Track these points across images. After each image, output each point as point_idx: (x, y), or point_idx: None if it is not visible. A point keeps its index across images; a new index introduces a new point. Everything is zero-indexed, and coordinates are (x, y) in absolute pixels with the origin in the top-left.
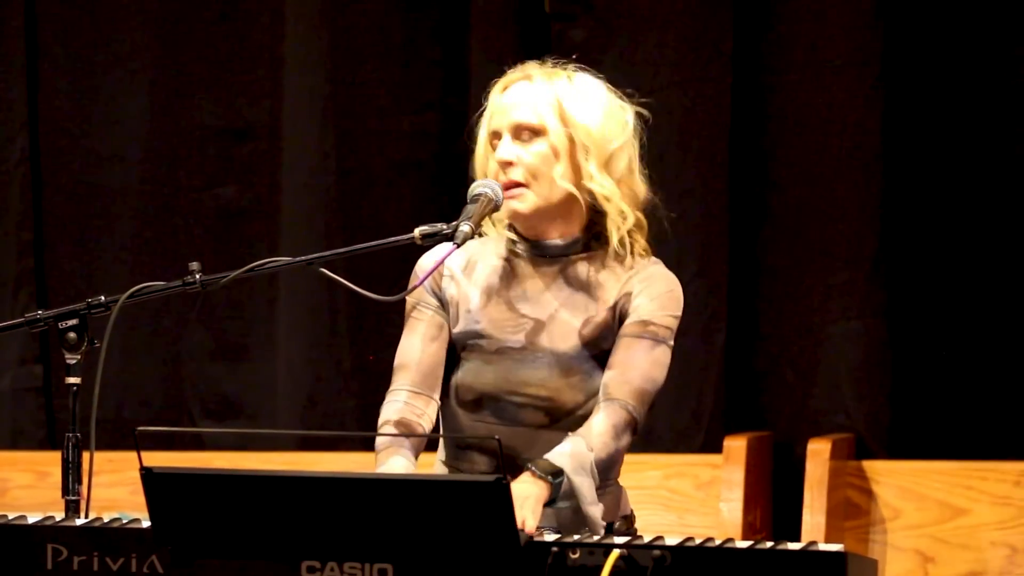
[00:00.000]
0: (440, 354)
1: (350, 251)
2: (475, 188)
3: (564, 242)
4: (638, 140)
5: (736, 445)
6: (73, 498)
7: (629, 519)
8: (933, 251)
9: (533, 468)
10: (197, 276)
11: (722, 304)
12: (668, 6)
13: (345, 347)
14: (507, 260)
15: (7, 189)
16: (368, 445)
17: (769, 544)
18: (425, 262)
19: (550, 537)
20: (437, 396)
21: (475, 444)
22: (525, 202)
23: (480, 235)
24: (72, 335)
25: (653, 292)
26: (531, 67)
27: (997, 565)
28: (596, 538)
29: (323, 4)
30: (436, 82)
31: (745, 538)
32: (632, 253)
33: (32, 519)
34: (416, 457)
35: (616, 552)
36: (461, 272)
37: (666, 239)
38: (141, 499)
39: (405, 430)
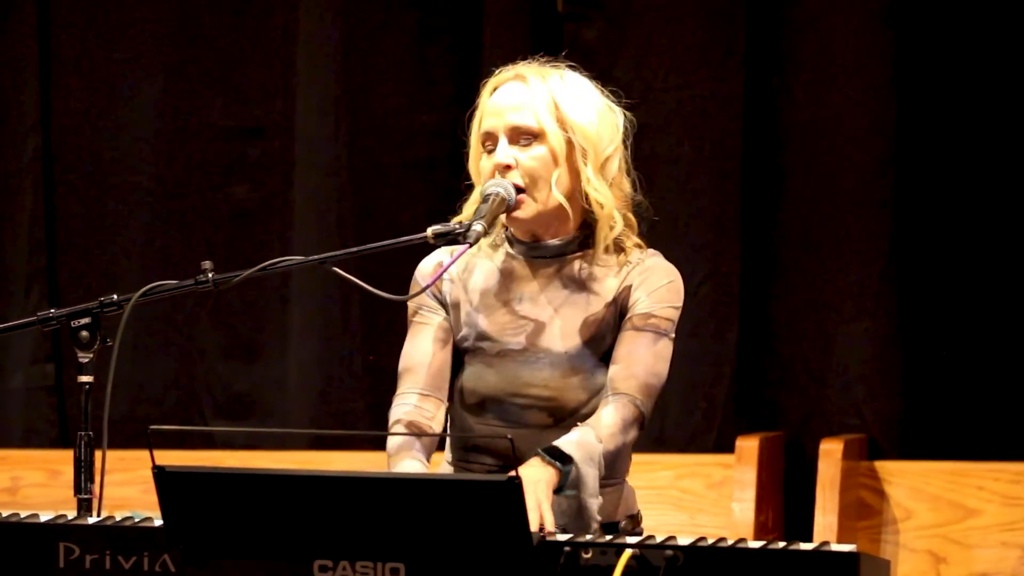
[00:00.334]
0: (446, 356)
1: (362, 250)
2: (487, 187)
3: (560, 242)
4: (625, 139)
5: (748, 445)
6: (85, 497)
7: (635, 518)
8: (945, 251)
9: (543, 454)
10: (210, 275)
11: (734, 304)
12: (681, 7)
13: (357, 346)
14: (504, 262)
15: (20, 188)
16: (380, 444)
17: (782, 544)
18: (425, 266)
19: (562, 537)
20: (444, 397)
21: (482, 445)
22: (525, 210)
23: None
24: (84, 334)
25: (652, 284)
26: (522, 67)
27: (1009, 566)
28: (608, 538)
29: (336, 4)
30: (448, 82)
31: (757, 538)
32: (624, 250)
33: (44, 517)
34: (428, 460)
35: (628, 552)
36: (460, 276)
37: (678, 238)
38: (153, 498)
39: (417, 432)
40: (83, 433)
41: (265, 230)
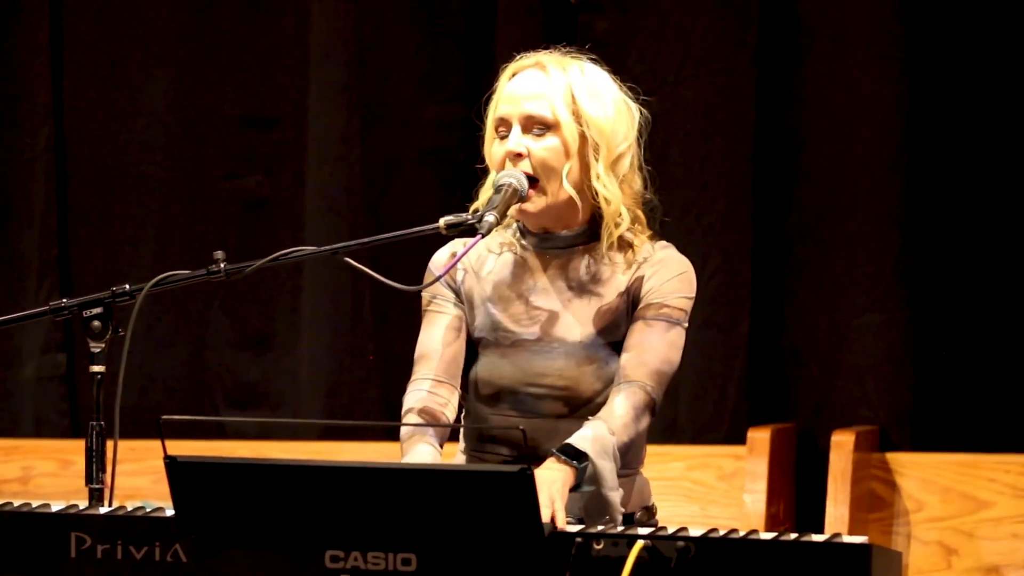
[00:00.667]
0: (460, 345)
1: (375, 240)
2: (500, 178)
3: (569, 233)
4: (639, 136)
5: (760, 437)
6: (97, 486)
7: (651, 510)
8: (958, 244)
9: (558, 453)
10: (222, 265)
11: (746, 296)
12: None
13: (369, 337)
14: (515, 254)
15: (32, 177)
16: (391, 434)
17: (793, 536)
18: (439, 257)
19: (574, 528)
20: (459, 385)
21: (497, 435)
22: (535, 204)
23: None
24: (96, 323)
25: (665, 275)
26: (543, 55)
27: (1020, 557)
28: (620, 529)
29: None
30: (461, 71)
31: (768, 530)
32: (632, 246)
33: (56, 507)
34: (441, 446)
35: (640, 543)
36: (473, 268)
37: (690, 229)
38: (164, 488)
39: (429, 419)
40: (95, 423)
41: (277, 220)
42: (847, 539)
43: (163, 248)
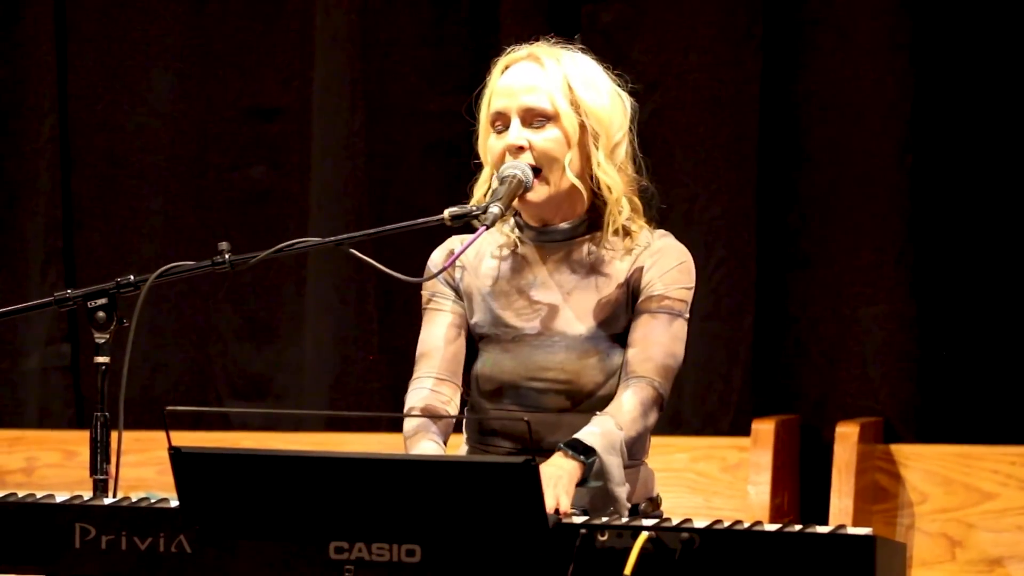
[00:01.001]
0: (461, 342)
1: (379, 232)
2: (505, 169)
3: (569, 225)
4: (631, 123)
5: (764, 428)
6: (101, 477)
7: (655, 501)
8: (962, 236)
9: (565, 448)
10: (226, 256)
11: (750, 287)
12: None
13: (373, 328)
14: (514, 248)
15: (36, 168)
16: (395, 425)
17: (798, 527)
18: (437, 256)
19: (578, 519)
20: (460, 383)
21: (500, 428)
22: (538, 193)
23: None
24: (101, 314)
25: (664, 266)
26: (535, 47)
27: None
28: (624, 521)
29: None
30: (465, 63)
31: (772, 521)
32: (631, 233)
33: (60, 498)
34: (445, 443)
35: (644, 535)
36: (472, 264)
37: (695, 220)
38: (169, 479)
39: (433, 415)
40: (99, 414)
41: (282, 211)
42: (851, 531)
43: (168, 239)
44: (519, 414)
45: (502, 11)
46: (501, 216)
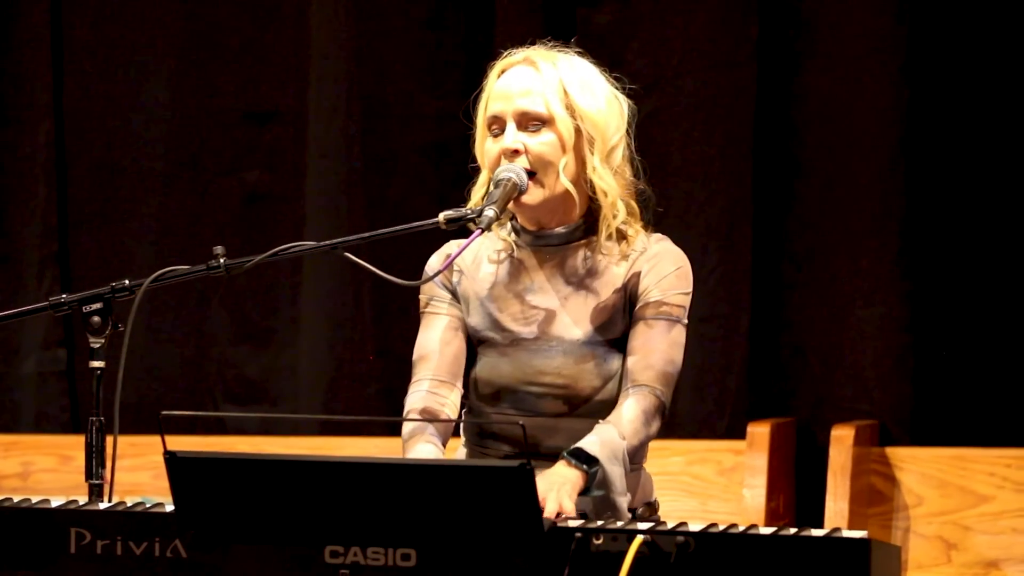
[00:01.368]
0: (460, 344)
1: (374, 235)
2: (500, 173)
3: (565, 230)
4: (628, 127)
5: (759, 431)
6: (96, 482)
7: (652, 506)
8: (957, 238)
9: (568, 457)
10: (221, 260)
11: (746, 290)
12: None
13: (368, 332)
14: (511, 252)
15: (32, 173)
16: (391, 430)
17: (793, 531)
18: (435, 261)
19: (574, 523)
20: (459, 384)
21: (497, 432)
22: (532, 196)
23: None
24: (96, 319)
25: (661, 272)
26: (531, 51)
27: (1020, 552)
28: (620, 524)
29: None
30: (461, 67)
31: (768, 524)
32: (627, 238)
33: (55, 503)
34: (444, 445)
35: (640, 538)
36: (469, 268)
37: (691, 224)
38: (164, 483)
39: (430, 418)
40: (94, 418)
41: (277, 215)
42: (847, 533)
43: (163, 243)
44: (515, 418)
45: (497, 14)
46: (496, 219)
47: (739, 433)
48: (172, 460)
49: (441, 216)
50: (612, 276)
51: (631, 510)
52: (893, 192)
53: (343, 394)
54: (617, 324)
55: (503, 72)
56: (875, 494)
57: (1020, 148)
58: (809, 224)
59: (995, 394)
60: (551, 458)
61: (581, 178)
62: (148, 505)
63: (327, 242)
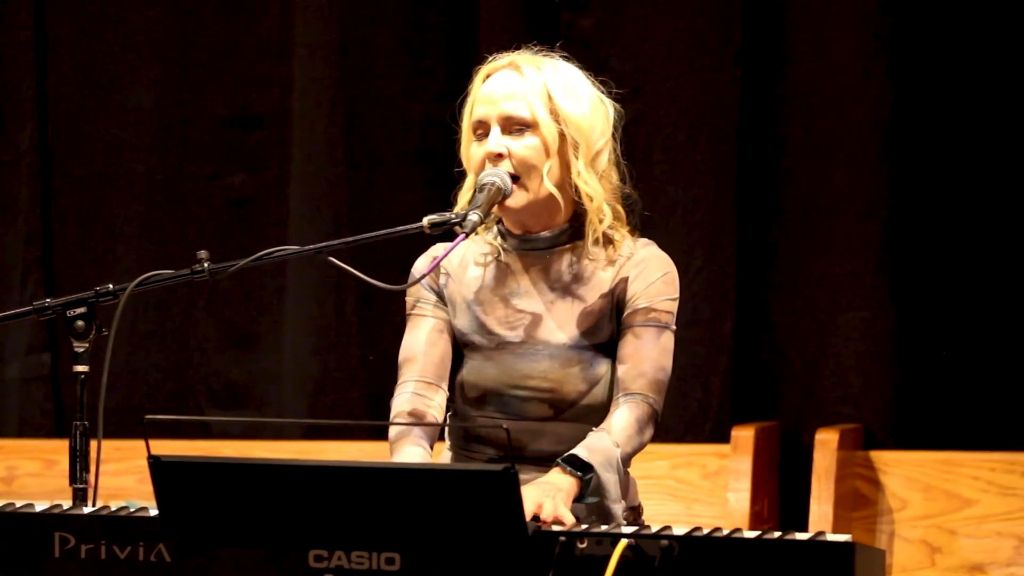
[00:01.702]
0: (445, 346)
1: (359, 240)
2: (484, 177)
3: (551, 234)
4: (614, 130)
5: (744, 435)
6: (81, 486)
7: (636, 510)
8: (941, 242)
9: (563, 464)
10: (205, 264)
11: (730, 294)
12: None
13: (353, 336)
14: (497, 256)
15: (16, 177)
16: (375, 434)
17: (777, 534)
18: (421, 263)
19: (557, 527)
20: (445, 386)
21: (482, 435)
22: (516, 200)
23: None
24: (80, 323)
25: (648, 278)
26: (516, 55)
27: (1004, 556)
28: (603, 528)
29: None
30: (445, 70)
31: (752, 528)
32: (614, 242)
33: (40, 507)
34: (431, 447)
35: (624, 542)
36: (456, 271)
37: (674, 227)
38: (149, 487)
39: (417, 420)
40: (79, 423)
41: (261, 219)
42: (831, 537)
43: (147, 247)
44: (499, 421)
45: (481, 18)
46: (480, 223)
47: (723, 437)
48: (156, 464)
49: (425, 220)
50: (598, 281)
51: None
52: (877, 195)
53: (327, 398)
54: (603, 329)
55: (488, 76)
56: (859, 498)
57: (1005, 151)
58: (793, 227)
59: (980, 398)
60: (536, 462)
61: (566, 182)
62: (132, 509)
63: (311, 246)
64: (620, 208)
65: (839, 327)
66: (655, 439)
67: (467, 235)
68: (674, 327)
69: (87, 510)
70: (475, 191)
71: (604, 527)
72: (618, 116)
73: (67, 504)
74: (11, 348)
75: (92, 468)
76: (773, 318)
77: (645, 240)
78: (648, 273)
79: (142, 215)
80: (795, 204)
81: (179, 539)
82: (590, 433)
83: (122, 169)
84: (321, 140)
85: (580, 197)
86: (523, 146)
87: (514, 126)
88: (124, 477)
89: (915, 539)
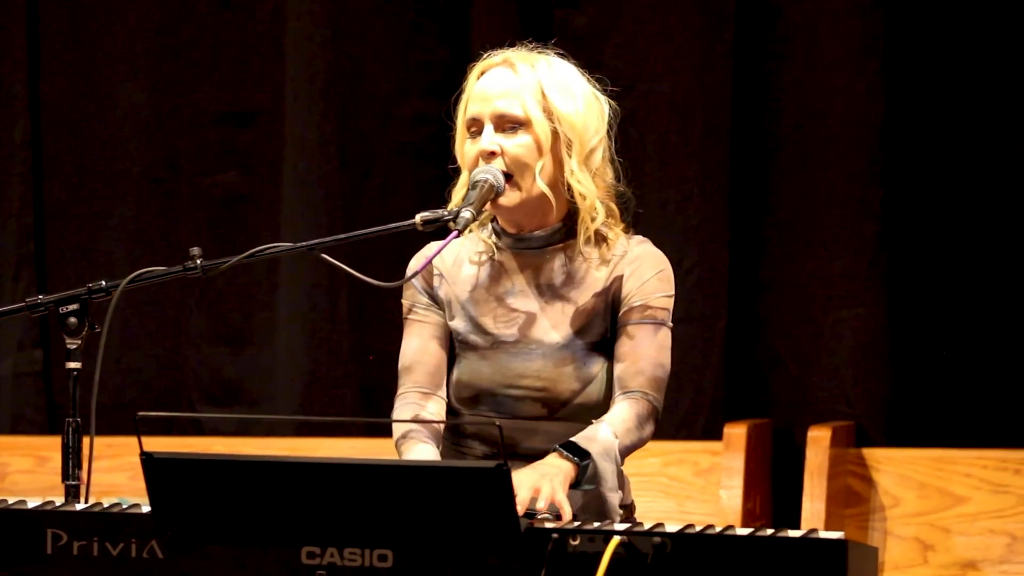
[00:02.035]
0: (442, 352)
1: (351, 237)
2: (476, 174)
3: (545, 233)
4: (609, 128)
5: (736, 432)
6: (73, 483)
7: (629, 508)
8: (933, 239)
9: (560, 449)
10: (198, 261)
11: (723, 291)
12: None
13: (345, 333)
14: (491, 255)
15: (8, 173)
16: (368, 431)
17: (770, 531)
18: (415, 263)
19: (550, 524)
20: (443, 393)
21: (475, 433)
22: (509, 198)
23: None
24: (73, 320)
25: (643, 275)
26: (510, 53)
27: (996, 553)
28: (596, 525)
29: None
30: (438, 67)
31: (744, 525)
32: (607, 241)
33: (32, 504)
34: (439, 448)
35: (616, 539)
36: (449, 271)
37: (667, 225)
38: (141, 484)
39: (420, 431)
40: (71, 419)
41: (253, 216)
42: (823, 534)
43: (140, 244)
44: (492, 419)
45: (474, 15)
46: (473, 221)
47: (716, 434)
48: (148, 461)
49: (418, 217)
50: (592, 280)
51: None
52: (870, 193)
53: (320, 395)
54: (597, 327)
55: (483, 74)
56: (852, 495)
57: (997, 150)
58: (786, 225)
59: (972, 395)
60: (529, 459)
61: (559, 181)
62: (125, 506)
63: (304, 243)
64: (613, 206)
65: (832, 325)
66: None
67: (460, 232)
68: (670, 323)
69: (79, 507)
70: (468, 188)
71: (597, 524)
72: (613, 113)
73: (59, 501)
74: (3, 345)
75: (84, 465)
76: (766, 316)
77: (640, 237)
78: (643, 270)
79: (135, 212)
80: (787, 202)
81: (171, 536)
82: (590, 425)
83: (115, 166)
84: (314, 137)
85: (573, 196)
86: (516, 144)
87: (507, 124)
88: (116, 474)
89: (908, 536)
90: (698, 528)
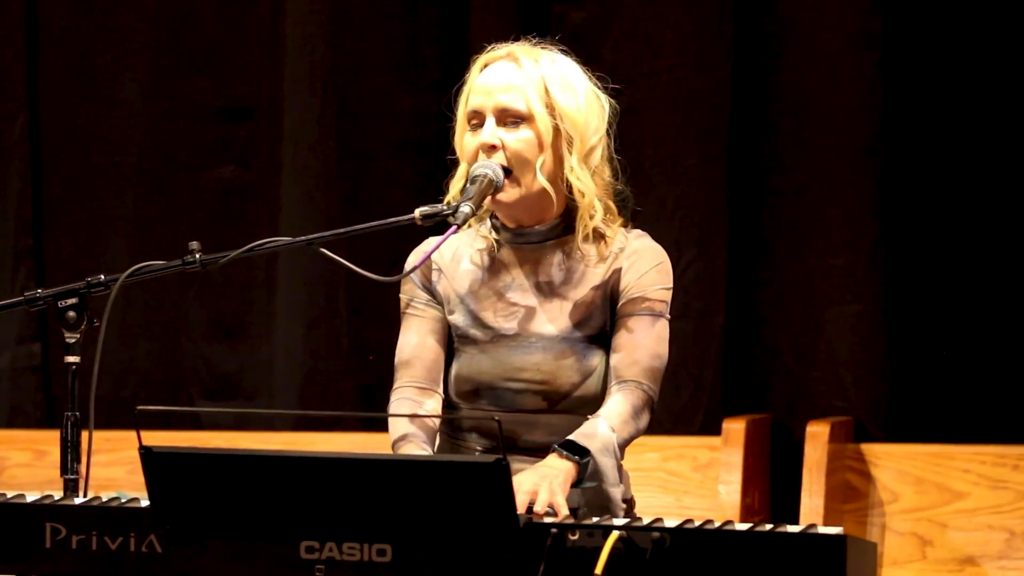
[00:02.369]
0: (439, 348)
1: (350, 231)
2: (476, 169)
3: (544, 228)
4: (608, 127)
5: (735, 427)
6: (71, 477)
7: (629, 503)
8: (932, 235)
9: (559, 449)
10: (197, 255)
11: (721, 287)
12: None
13: (343, 327)
14: (490, 250)
15: (7, 168)
16: (366, 425)
17: (768, 527)
18: (414, 258)
19: (549, 519)
20: (440, 388)
21: (474, 427)
22: (508, 194)
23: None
24: (71, 314)
25: (641, 268)
26: (514, 47)
27: (995, 549)
28: (595, 520)
29: None
30: (436, 62)
31: (743, 521)
32: (605, 237)
33: (30, 498)
34: (433, 449)
35: (615, 534)
36: (448, 266)
37: (666, 220)
38: (139, 478)
39: (417, 428)
40: (70, 413)
41: (252, 210)
42: (822, 530)
43: (138, 238)
44: (492, 412)
45: (473, 10)
46: (472, 215)
47: (714, 429)
48: (147, 455)
49: (417, 212)
50: (590, 274)
51: None
52: (868, 188)
53: (318, 389)
54: (596, 320)
55: (486, 66)
56: (850, 490)
57: (996, 145)
58: (784, 221)
59: (971, 391)
60: (529, 452)
61: (558, 177)
62: (123, 500)
63: (302, 238)
64: (611, 204)
65: (830, 320)
66: (647, 430)
67: (459, 227)
68: (668, 316)
69: (78, 501)
70: (467, 182)
71: (596, 519)
72: (612, 112)
73: (58, 495)
74: (2, 339)
75: (83, 459)
76: (764, 311)
77: (638, 231)
78: (641, 263)
79: (133, 206)
80: (786, 197)
81: (170, 530)
82: (587, 420)
83: (113, 160)
84: (312, 131)
85: (572, 192)
86: (517, 139)
87: (509, 118)
88: (115, 468)
89: (906, 532)
90: (697, 523)
